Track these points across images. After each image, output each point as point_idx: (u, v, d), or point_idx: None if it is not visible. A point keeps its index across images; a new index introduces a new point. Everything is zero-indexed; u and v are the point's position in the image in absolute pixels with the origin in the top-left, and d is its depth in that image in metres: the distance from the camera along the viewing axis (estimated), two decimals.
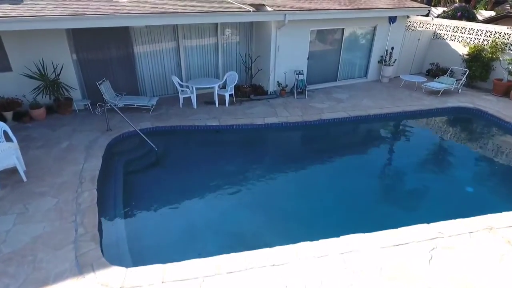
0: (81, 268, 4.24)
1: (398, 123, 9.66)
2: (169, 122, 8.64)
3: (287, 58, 10.44)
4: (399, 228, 5.03)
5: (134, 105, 9.15)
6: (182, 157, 7.77)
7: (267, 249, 4.59)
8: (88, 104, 9.22)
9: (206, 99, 10.17)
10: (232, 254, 4.49)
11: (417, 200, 6.32)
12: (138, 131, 7.66)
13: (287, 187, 6.67)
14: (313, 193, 6.44)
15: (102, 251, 4.53)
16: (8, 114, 8.19)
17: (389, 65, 12.08)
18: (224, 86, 10.35)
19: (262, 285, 4.02)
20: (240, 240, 5.19)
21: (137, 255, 4.77)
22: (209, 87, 9.91)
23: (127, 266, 4.29)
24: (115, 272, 4.16)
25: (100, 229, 4.97)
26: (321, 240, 4.77)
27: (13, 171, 6.03)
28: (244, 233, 5.39)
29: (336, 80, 11.95)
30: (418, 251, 4.62)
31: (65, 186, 5.89)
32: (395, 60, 12.16)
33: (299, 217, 5.78)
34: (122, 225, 5.35)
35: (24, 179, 6.02)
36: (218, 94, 9.78)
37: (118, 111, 7.75)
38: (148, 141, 7.55)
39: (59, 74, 8.51)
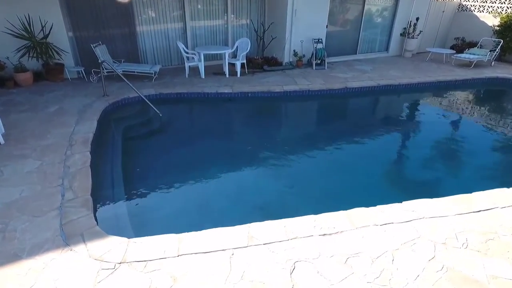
0: (67, 238, 3.15)
1: (433, 93, 8.58)
2: (174, 89, 7.56)
3: (304, 25, 9.39)
4: (472, 193, 3.98)
5: (134, 72, 8.06)
6: (189, 125, 6.72)
7: (312, 216, 3.52)
8: (81, 71, 8.12)
9: (214, 71, 9.08)
10: (268, 222, 3.41)
11: (480, 166, 5.26)
12: (141, 95, 6.58)
13: (321, 155, 5.57)
14: (354, 162, 5.36)
15: (96, 219, 3.45)
16: None
17: (413, 38, 11.05)
18: (234, 56, 9.28)
19: (313, 258, 2.95)
20: (270, 214, 4.09)
21: (142, 227, 3.69)
22: (218, 53, 8.90)
23: (129, 237, 3.20)
24: (114, 244, 3.07)
25: (94, 195, 3.88)
26: (379, 206, 3.71)
27: None
28: (273, 204, 4.28)
29: (355, 53, 10.91)
30: (507, 218, 3.56)
31: (52, 149, 4.80)
32: (420, 32, 11.12)
33: (340, 189, 4.70)
34: (122, 192, 4.26)
35: (2, 141, 4.92)
36: (228, 63, 8.70)
37: (119, 73, 6.65)
38: (152, 106, 6.48)
39: (48, 34, 7.40)
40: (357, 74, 8.97)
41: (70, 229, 3.27)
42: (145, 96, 6.93)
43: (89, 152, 4.69)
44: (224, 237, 3.19)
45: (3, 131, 5.21)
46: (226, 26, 9.74)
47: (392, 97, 8.31)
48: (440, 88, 8.63)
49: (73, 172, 4.21)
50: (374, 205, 3.78)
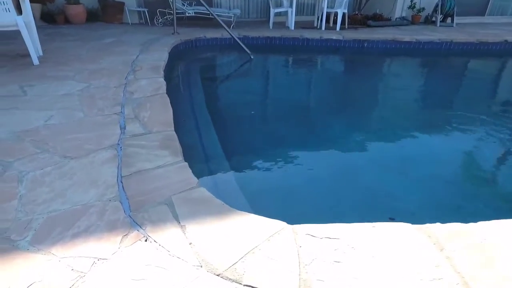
0: (134, 209, 1.23)
1: None
2: (263, 33, 5.61)
3: None
4: None
5: (209, 15, 6.23)
6: (288, 75, 4.67)
7: None
8: (145, 13, 6.44)
9: (302, 26, 7.02)
10: None
11: None
12: (230, 33, 4.67)
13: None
14: None
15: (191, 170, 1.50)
16: (35, 9, 5.58)
17: None
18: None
19: None
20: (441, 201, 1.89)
21: (298, 197, 1.70)
22: None
23: (289, 218, 1.21)
24: (256, 233, 1.10)
25: (178, 131, 1.97)
26: None
27: (24, 55, 3.29)
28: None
29: (483, 15, 8.32)
30: None
31: (104, 72, 3.01)
32: None
33: None
34: (214, 135, 2.31)
35: (36, 62, 3.23)
36: (327, 12, 6.59)
37: (204, 3, 4.82)
38: (243, 46, 4.57)
39: None
40: (506, 31, 6.46)
41: (139, 188, 1.36)
42: (224, 38, 5.10)
43: (162, 79, 2.84)
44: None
45: (40, 53, 3.57)
46: None
47: None
48: None
49: (139, 99, 2.35)
50: None
